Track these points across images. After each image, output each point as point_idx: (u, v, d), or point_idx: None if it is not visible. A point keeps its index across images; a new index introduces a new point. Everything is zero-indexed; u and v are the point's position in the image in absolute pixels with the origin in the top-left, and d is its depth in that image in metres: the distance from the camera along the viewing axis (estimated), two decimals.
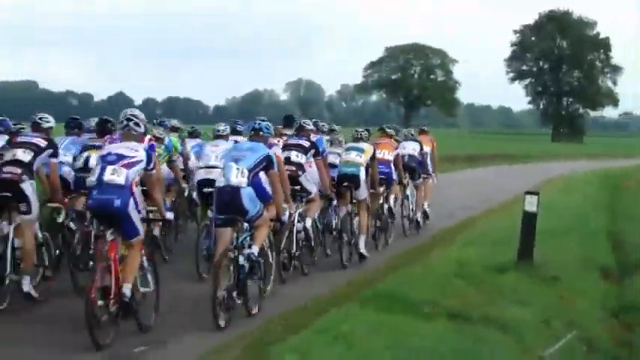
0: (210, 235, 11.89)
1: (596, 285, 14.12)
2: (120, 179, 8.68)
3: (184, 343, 8.74)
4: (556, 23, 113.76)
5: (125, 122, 9.32)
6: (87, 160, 11.60)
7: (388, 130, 16.75)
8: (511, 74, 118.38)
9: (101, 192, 8.68)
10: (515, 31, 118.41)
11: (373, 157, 14.53)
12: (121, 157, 8.85)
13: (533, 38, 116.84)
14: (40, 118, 10.94)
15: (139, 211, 8.91)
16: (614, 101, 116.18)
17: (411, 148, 17.68)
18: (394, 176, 15.94)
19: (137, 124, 9.33)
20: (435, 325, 9.43)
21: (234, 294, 9.57)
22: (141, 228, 8.97)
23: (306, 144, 13.12)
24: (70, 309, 9.56)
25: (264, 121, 11.07)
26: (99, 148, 10.98)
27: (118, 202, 8.60)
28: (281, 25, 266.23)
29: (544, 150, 71.51)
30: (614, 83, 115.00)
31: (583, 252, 16.04)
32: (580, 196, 27.46)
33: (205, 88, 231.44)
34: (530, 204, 13.37)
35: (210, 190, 11.32)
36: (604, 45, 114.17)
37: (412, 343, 8.44)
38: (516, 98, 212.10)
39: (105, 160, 8.86)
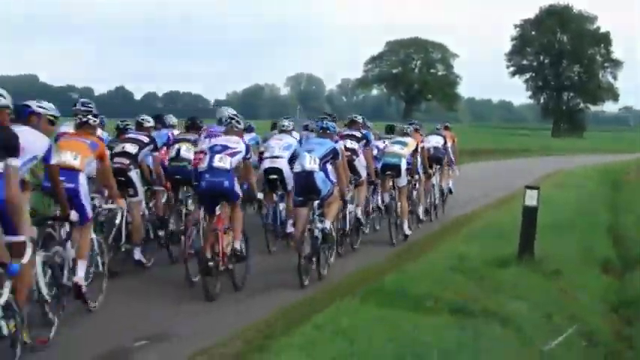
0: (275, 215, 14.40)
1: (596, 279, 14.16)
2: (226, 165, 10.92)
3: (186, 337, 8.75)
4: (556, 17, 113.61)
5: (229, 120, 11.78)
6: (178, 151, 13.46)
7: (413, 126, 18.11)
8: (511, 68, 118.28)
9: (212, 175, 10.89)
10: (516, 26, 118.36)
11: (416, 150, 16.59)
12: (225, 147, 11.10)
13: (533, 32, 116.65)
14: (142, 119, 13.18)
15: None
16: (615, 96, 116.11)
17: (434, 141, 19.40)
18: (419, 168, 17.27)
19: (238, 122, 11.71)
20: (436, 319, 9.44)
21: (314, 260, 11.92)
22: (240, 193, 11.17)
23: (358, 135, 15.30)
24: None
25: (325, 119, 14.56)
26: (189, 141, 13.51)
27: (226, 183, 10.89)
28: (282, 20, 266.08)
29: (544, 145, 71.49)
30: (615, 78, 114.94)
31: (584, 246, 16.08)
32: (580, 191, 27.51)
33: (205, 82, 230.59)
34: (531, 198, 13.38)
35: (275, 176, 13.95)
36: (604, 39, 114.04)
37: (414, 338, 8.44)
38: (517, 93, 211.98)
39: (213, 150, 11.08)
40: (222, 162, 10.92)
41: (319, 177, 12.11)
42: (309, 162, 12.16)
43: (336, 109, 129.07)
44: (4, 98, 7.14)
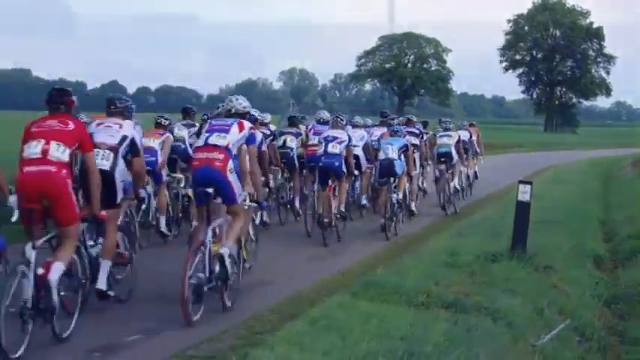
0: (354, 191, 18.91)
1: (588, 274, 14.18)
2: (336, 150, 15.63)
3: (178, 332, 8.76)
4: (549, 12, 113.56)
5: (334, 117, 16.81)
6: (284, 141, 17.33)
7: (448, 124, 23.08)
8: (504, 64, 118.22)
9: (327, 158, 15.55)
10: (509, 21, 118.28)
11: (458, 141, 21.55)
12: (335, 138, 15.85)
13: (526, 28, 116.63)
14: (261, 117, 15.98)
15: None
16: (607, 91, 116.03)
17: (463, 135, 23.06)
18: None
19: (342, 120, 16.68)
20: (428, 314, 9.47)
21: (394, 219, 16.67)
22: (345, 171, 15.83)
23: (417, 132, 20.89)
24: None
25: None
26: (291, 134, 17.62)
27: (337, 163, 15.63)
28: (275, 15, 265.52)
29: (537, 139, 71.60)
30: (607, 73, 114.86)
31: (576, 241, 16.09)
32: (573, 186, 27.55)
33: (198, 76, 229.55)
34: (524, 193, 13.39)
35: (354, 161, 16.82)
36: (597, 34, 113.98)
37: (406, 332, 8.46)
38: (510, 87, 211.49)
39: (327, 140, 15.83)
40: (334, 148, 15.63)
41: (398, 163, 16.59)
42: (392, 152, 16.64)
43: (330, 104, 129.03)
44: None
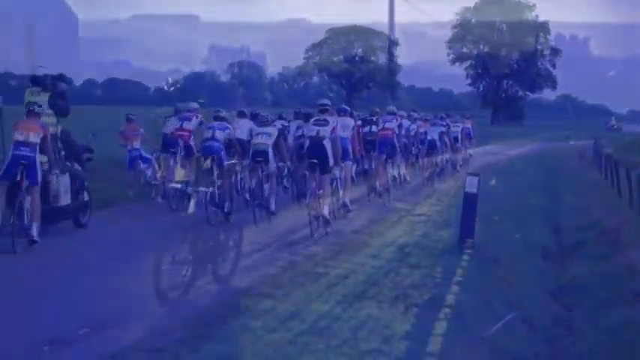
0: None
1: (536, 266, 14.32)
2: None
3: (129, 325, 8.69)
4: (496, 6, 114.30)
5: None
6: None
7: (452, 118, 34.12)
8: (451, 56, 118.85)
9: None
10: (456, 14, 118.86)
11: (462, 130, 31.90)
12: (400, 126, 22.41)
13: (473, 20, 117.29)
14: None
15: None
16: (553, 84, 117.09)
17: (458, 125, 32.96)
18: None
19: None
20: (379, 308, 9.51)
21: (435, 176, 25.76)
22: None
23: (444, 124, 28.53)
24: None
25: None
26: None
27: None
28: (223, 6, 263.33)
29: (484, 132, 72.03)
30: (553, 66, 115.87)
31: (523, 233, 16.25)
32: (520, 178, 27.86)
33: (146, 69, 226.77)
34: (471, 185, 13.49)
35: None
36: (543, 28, 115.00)
37: (355, 326, 8.50)
38: (457, 80, 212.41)
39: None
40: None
41: (438, 143, 25.48)
42: (435, 135, 25.43)
43: (278, 97, 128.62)
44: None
